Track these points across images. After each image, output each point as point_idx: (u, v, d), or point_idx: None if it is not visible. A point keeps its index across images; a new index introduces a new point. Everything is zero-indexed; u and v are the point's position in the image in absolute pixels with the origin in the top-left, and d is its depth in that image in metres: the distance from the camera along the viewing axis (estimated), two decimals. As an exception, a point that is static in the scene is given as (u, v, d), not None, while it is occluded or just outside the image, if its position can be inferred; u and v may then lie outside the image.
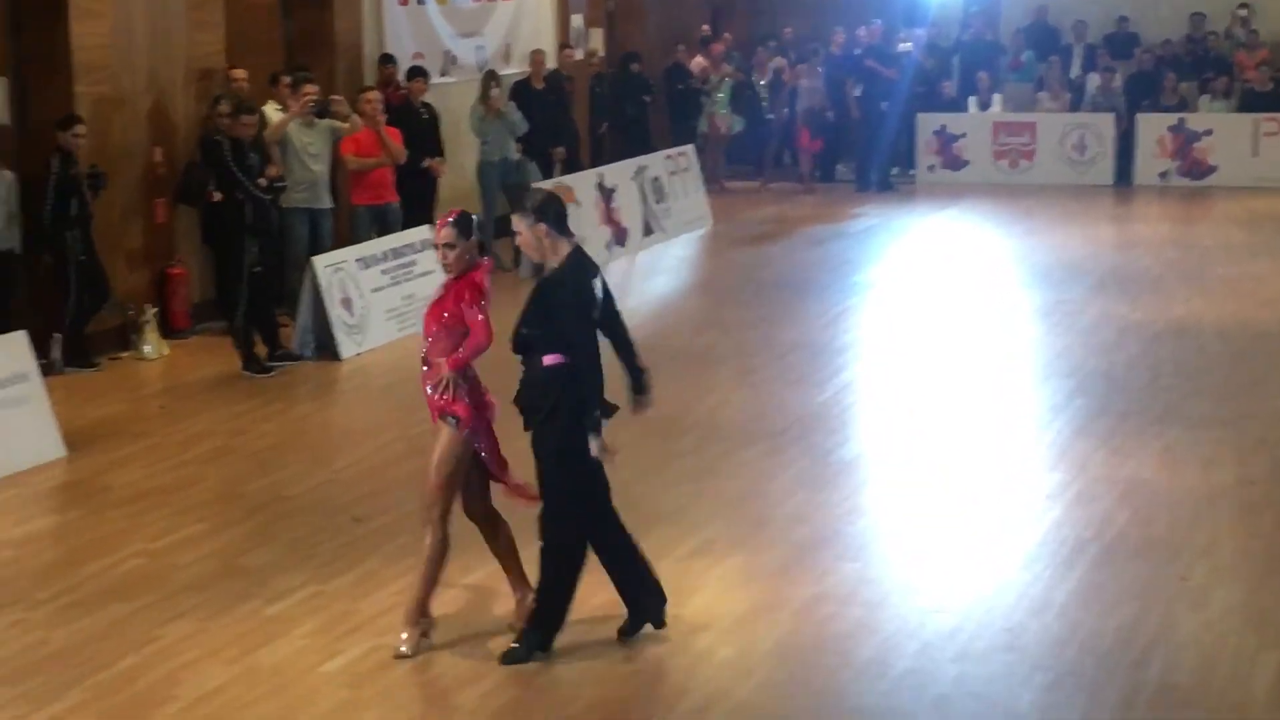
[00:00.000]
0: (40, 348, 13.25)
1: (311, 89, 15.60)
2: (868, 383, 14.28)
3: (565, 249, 8.29)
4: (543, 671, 8.26)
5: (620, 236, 20.29)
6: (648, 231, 20.93)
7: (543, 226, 8.24)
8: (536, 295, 8.36)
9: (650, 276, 19.52)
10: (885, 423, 12.97)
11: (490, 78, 19.20)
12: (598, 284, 8.39)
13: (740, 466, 11.74)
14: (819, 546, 10.09)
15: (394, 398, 13.79)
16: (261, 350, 14.62)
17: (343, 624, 8.90)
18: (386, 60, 18.83)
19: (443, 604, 8.81)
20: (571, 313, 8.23)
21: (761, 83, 25.55)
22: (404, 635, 8.45)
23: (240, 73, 16.39)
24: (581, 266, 8.34)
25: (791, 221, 22.75)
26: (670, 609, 8.75)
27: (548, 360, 8.26)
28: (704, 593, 9.38)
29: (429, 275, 16.57)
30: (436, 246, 8.60)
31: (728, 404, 13.44)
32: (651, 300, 18.31)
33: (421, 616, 8.50)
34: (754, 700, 8.00)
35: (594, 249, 19.27)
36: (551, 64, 21.49)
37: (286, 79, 16.38)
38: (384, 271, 16.02)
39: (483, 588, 9.25)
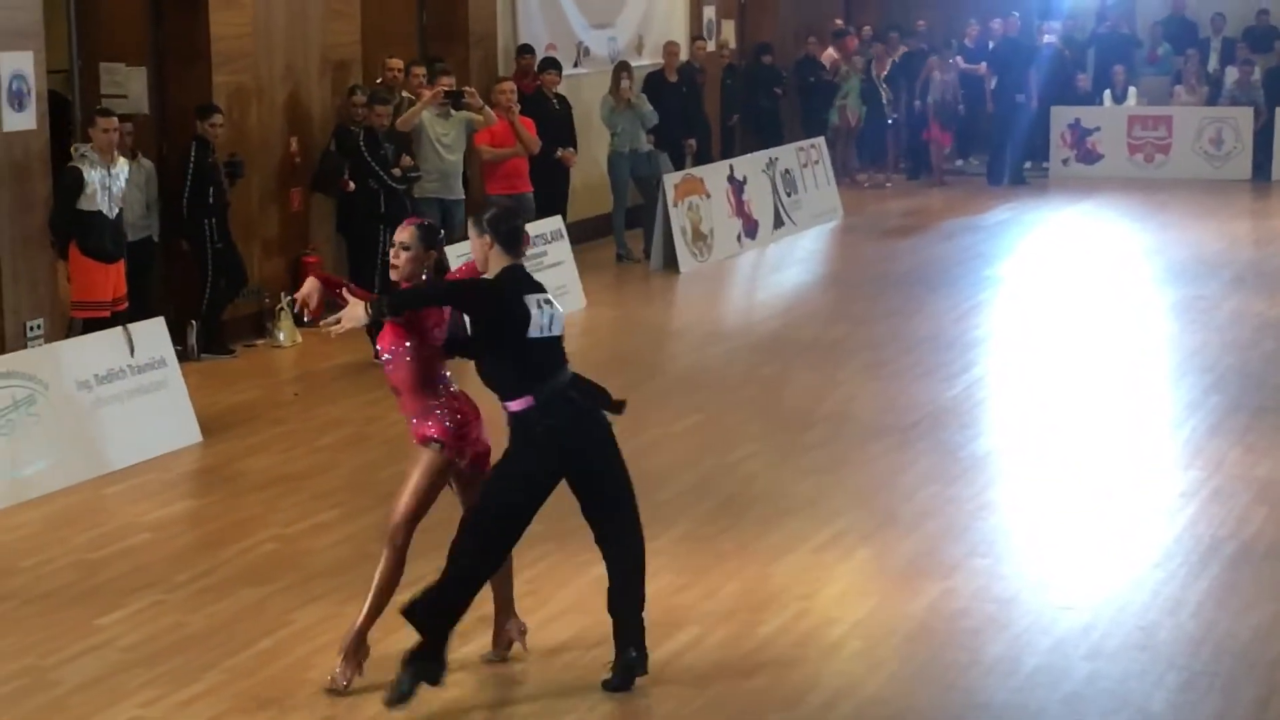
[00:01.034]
0: (177, 334, 13.41)
1: (446, 80, 15.72)
2: (999, 377, 14.19)
3: (499, 266, 7.80)
4: (670, 663, 8.26)
5: (751, 228, 20.26)
6: (778, 224, 20.90)
7: (487, 239, 7.78)
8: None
9: (780, 269, 19.47)
10: (1017, 417, 12.88)
11: (622, 69, 19.23)
12: (535, 301, 7.80)
13: (870, 460, 11.70)
14: (949, 541, 10.05)
15: (524, 387, 13.84)
16: (394, 339, 14.70)
17: (471, 613, 8.89)
18: (525, 50, 18.91)
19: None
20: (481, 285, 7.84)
21: (880, 75, 25.30)
22: (339, 669, 7.98)
23: (396, 61, 16.50)
24: (513, 279, 7.81)
25: (923, 215, 22.65)
26: (800, 601, 8.75)
27: (514, 406, 7.84)
28: (834, 585, 9.36)
29: (560, 265, 16.68)
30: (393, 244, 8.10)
31: (858, 397, 13.39)
32: (781, 292, 18.29)
33: (360, 646, 8.04)
34: (883, 694, 7.98)
35: (724, 241, 19.33)
36: (684, 56, 21.48)
37: (420, 69, 16.50)
38: (516, 261, 16.05)
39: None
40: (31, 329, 13.02)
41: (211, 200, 14.54)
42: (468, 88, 16.10)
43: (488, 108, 16.07)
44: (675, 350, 15.74)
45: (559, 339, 7.94)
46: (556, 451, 7.89)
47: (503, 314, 7.73)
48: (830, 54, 25.66)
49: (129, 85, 15.10)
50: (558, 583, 9.35)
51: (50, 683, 8.08)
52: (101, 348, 11.99)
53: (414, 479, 8.12)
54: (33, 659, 8.37)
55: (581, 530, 10.07)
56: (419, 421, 8.16)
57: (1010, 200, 23.61)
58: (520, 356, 7.79)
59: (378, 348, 8.25)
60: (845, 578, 9.50)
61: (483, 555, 7.87)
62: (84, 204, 12.89)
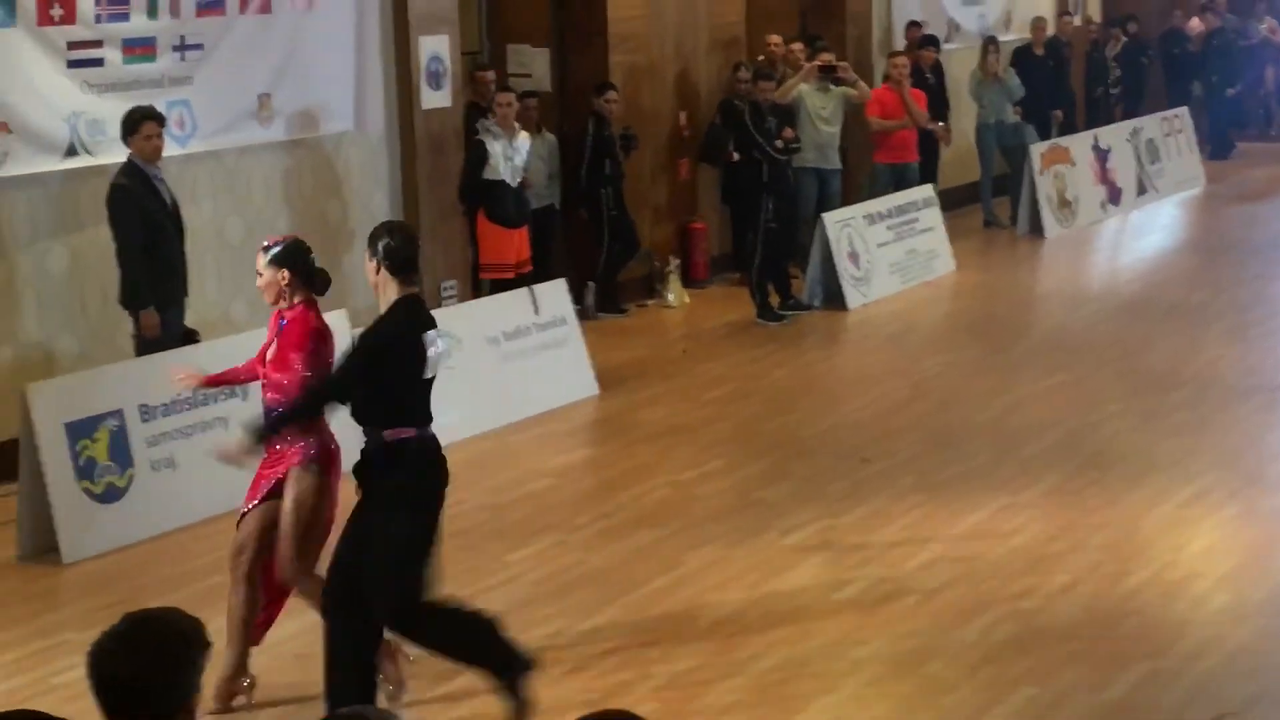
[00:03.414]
0: (576, 295, 13.67)
1: (826, 56, 15.72)
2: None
3: (394, 294, 6.93)
4: (1041, 610, 8.16)
5: (1114, 195, 19.79)
6: (1141, 191, 20.35)
7: (376, 265, 6.91)
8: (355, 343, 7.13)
9: (1143, 235, 18.97)
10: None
11: (990, 44, 18.97)
12: (431, 338, 6.98)
13: (1236, 420, 11.36)
14: (1316, 500, 9.72)
15: (898, 346, 13.81)
16: (774, 300, 14.80)
17: (852, 556, 8.96)
18: (913, 24, 18.78)
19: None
20: (360, 358, 6.95)
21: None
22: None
23: (776, 39, 16.59)
24: (410, 314, 6.97)
25: (1286, 182, 21.84)
26: (1167, 555, 8.58)
27: (391, 435, 6.88)
28: (1200, 541, 9.14)
29: (930, 231, 16.54)
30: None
31: (1222, 359, 12.99)
32: (1144, 257, 17.83)
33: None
34: (1250, 646, 7.75)
35: (1088, 208, 18.92)
36: (1050, 31, 21.05)
37: (798, 45, 16.52)
38: (889, 228, 16.01)
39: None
40: (445, 289, 13.42)
41: (608, 171, 14.79)
42: (842, 63, 16.05)
43: (861, 82, 16.01)
44: (1041, 312, 15.49)
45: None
46: (442, 468, 7.21)
47: (392, 359, 6.90)
48: (1195, 24, 24.84)
49: (533, 65, 15.44)
50: (930, 534, 9.30)
51: (467, 612, 8.33)
52: (509, 307, 12.29)
53: (288, 508, 7.25)
54: (451, 589, 8.54)
55: (953, 482, 10.09)
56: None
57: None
58: (409, 393, 6.93)
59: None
60: (1211, 533, 9.26)
61: (418, 584, 6.99)
62: (488, 174, 13.22)
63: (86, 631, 7.49)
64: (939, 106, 18.05)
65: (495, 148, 13.16)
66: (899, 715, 7.11)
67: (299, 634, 7.70)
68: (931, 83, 18.05)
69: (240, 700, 7.40)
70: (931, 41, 18.46)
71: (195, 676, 3.78)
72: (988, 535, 9.21)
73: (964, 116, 19.13)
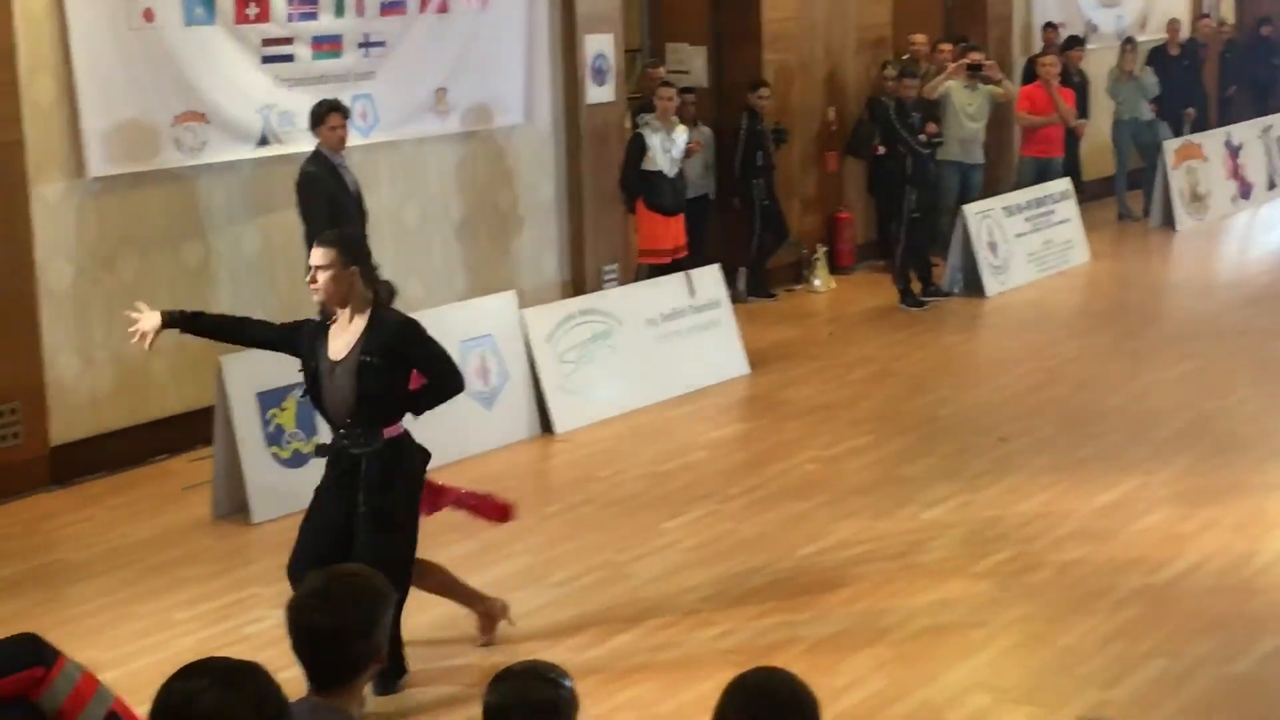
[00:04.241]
0: (729, 279, 13.63)
1: (975, 55, 15.58)
2: None
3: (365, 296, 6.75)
4: (1172, 585, 8.02)
5: (1245, 190, 19.38)
6: (1271, 186, 19.91)
7: (355, 271, 6.70)
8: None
9: (1273, 228, 18.54)
10: None
11: (1128, 44, 18.68)
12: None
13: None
14: None
15: (1033, 332, 13.63)
16: (916, 286, 14.68)
17: (991, 530, 8.86)
18: (1050, 26, 18.54)
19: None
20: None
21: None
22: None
23: (920, 38, 16.47)
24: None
25: None
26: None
27: (392, 432, 6.77)
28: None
29: (1066, 222, 16.31)
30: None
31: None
32: (1274, 250, 17.42)
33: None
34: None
35: (1220, 202, 18.56)
36: (1185, 32, 20.67)
37: (947, 46, 16.36)
38: (1027, 219, 15.81)
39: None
40: (606, 273, 13.46)
41: (760, 163, 14.73)
42: (988, 61, 15.86)
43: (1007, 81, 15.84)
44: (1172, 302, 15.21)
45: None
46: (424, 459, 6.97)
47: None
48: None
49: (691, 62, 15.41)
50: (1064, 510, 9.17)
51: (625, 575, 8.35)
52: (666, 290, 12.29)
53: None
54: (610, 554, 8.66)
55: (1086, 462, 9.94)
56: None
57: None
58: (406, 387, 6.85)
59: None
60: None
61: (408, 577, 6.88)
62: (647, 165, 13.21)
63: (273, 586, 7.65)
64: (1081, 104, 17.79)
65: (654, 140, 13.16)
66: (1035, 683, 7.02)
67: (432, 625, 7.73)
68: (1077, 82, 17.79)
69: (503, 625, 7.48)
70: (1077, 42, 18.21)
71: (386, 629, 3.84)
72: (1121, 513, 9.07)
73: (1100, 113, 18.83)
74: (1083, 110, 17.71)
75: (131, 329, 7.08)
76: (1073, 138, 17.28)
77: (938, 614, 7.72)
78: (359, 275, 6.71)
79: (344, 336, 6.72)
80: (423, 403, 6.91)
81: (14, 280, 9.70)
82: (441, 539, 8.06)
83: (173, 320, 6.97)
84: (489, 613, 7.49)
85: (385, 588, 3.88)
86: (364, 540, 6.65)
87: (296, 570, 6.69)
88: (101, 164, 10.12)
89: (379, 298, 7.03)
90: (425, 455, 6.94)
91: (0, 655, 5.53)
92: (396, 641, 6.84)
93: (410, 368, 6.77)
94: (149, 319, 6.99)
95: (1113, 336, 13.37)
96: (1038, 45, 18.28)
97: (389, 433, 6.74)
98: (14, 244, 9.69)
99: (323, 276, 6.66)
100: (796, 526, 9.02)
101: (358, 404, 6.67)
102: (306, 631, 3.74)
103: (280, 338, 6.99)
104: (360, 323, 6.69)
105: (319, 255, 6.68)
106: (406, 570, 6.78)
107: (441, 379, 6.84)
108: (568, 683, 3.79)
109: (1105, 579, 8.09)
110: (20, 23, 9.67)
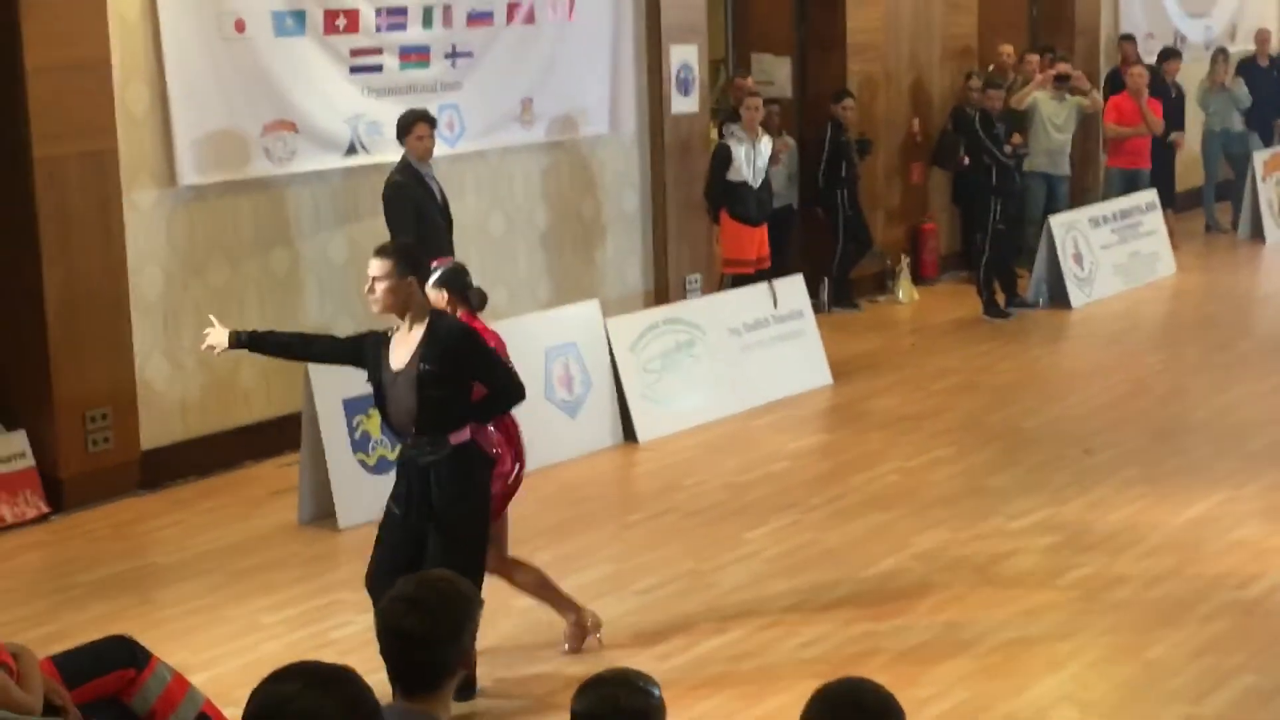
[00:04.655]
0: (812, 290, 13.61)
1: (1063, 66, 15.50)
2: None
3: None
4: (1260, 602, 7.93)
5: (1335, 198, 19.17)
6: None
7: (445, 294, 6.91)
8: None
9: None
10: None
11: (1219, 54, 18.52)
12: None
13: None
14: None
15: (1119, 344, 13.52)
16: (1000, 298, 14.60)
17: (1076, 542, 8.79)
18: (1126, 39, 18.40)
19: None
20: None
21: None
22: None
23: (1007, 48, 16.41)
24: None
25: None
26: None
27: (459, 438, 6.73)
28: None
29: (1153, 234, 16.17)
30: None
31: None
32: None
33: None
34: None
35: (1311, 213, 18.31)
36: (1276, 42, 20.43)
37: (1034, 56, 16.28)
38: (1113, 231, 15.69)
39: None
40: (690, 282, 13.46)
41: (843, 174, 14.70)
42: (1076, 71, 15.76)
43: (1095, 92, 15.75)
44: (1261, 315, 15.04)
45: None
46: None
47: None
48: None
49: (775, 72, 15.40)
50: (1151, 523, 9.09)
51: (708, 584, 8.33)
52: (749, 300, 12.28)
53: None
54: (693, 564, 8.66)
55: (1174, 474, 9.85)
56: None
57: None
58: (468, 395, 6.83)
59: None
60: None
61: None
62: (732, 175, 13.20)
63: (359, 592, 7.69)
64: (1178, 116, 17.64)
65: (739, 150, 13.15)
66: (1121, 697, 6.96)
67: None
68: (1174, 95, 17.63)
69: (590, 640, 7.50)
70: (1174, 54, 18.03)
71: (474, 634, 3.86)
72: (1208, 527, 8.98)
73: (1190, 124, 18.65)
74: (1178, 123, 17.55)
75: (204, 345, 7.18)
76: (1163, 149, 17.12)
77: (1023, 626, 7.66)
78: (416, 285, 6.72)
79: (404, 346, 6.73)
80: (485, 412, 6.90)
81: (107, 287, 9.83)
82: (526, 545, 8.09)
83: (239, 340, 7.06)
84: (580, 623, 7.51)
85: (474, 594, 3.90)
86: (434, 550, 6.68)
87: (375, 584, 6.73)
88: (192, 172, 10.23)
89: (470, 304, 7.12)
90: (490, 461, 6.92)
91: (93, 656, 5.62)
92: None
93: (470, 376, 6.77)
94: (218, 335, 7.08)
95: (1200, 349, 13.25)
96: (1118, 57, 18.12)
97: (456, 439, 6.71)
98: (108, 251, 9.82)
99: (380, 287, 6.66)
100: (879, 537, 8.98)
101: (420, 412, 6.67)
102: (396, 636, 3.76)
103: (345, 351, 7.02)
104: (419, 331, 6.70)
105: (376, 266, 6.69)
106: (477, 579, 6.70)
107: (502, 388, 6.83)
108: (657, 691, 3.80)
109: (1193, 593, 8.01)
110: (115, 33, 9.81)
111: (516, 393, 6.87)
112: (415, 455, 6.77)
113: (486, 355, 6.81)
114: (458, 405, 6.73)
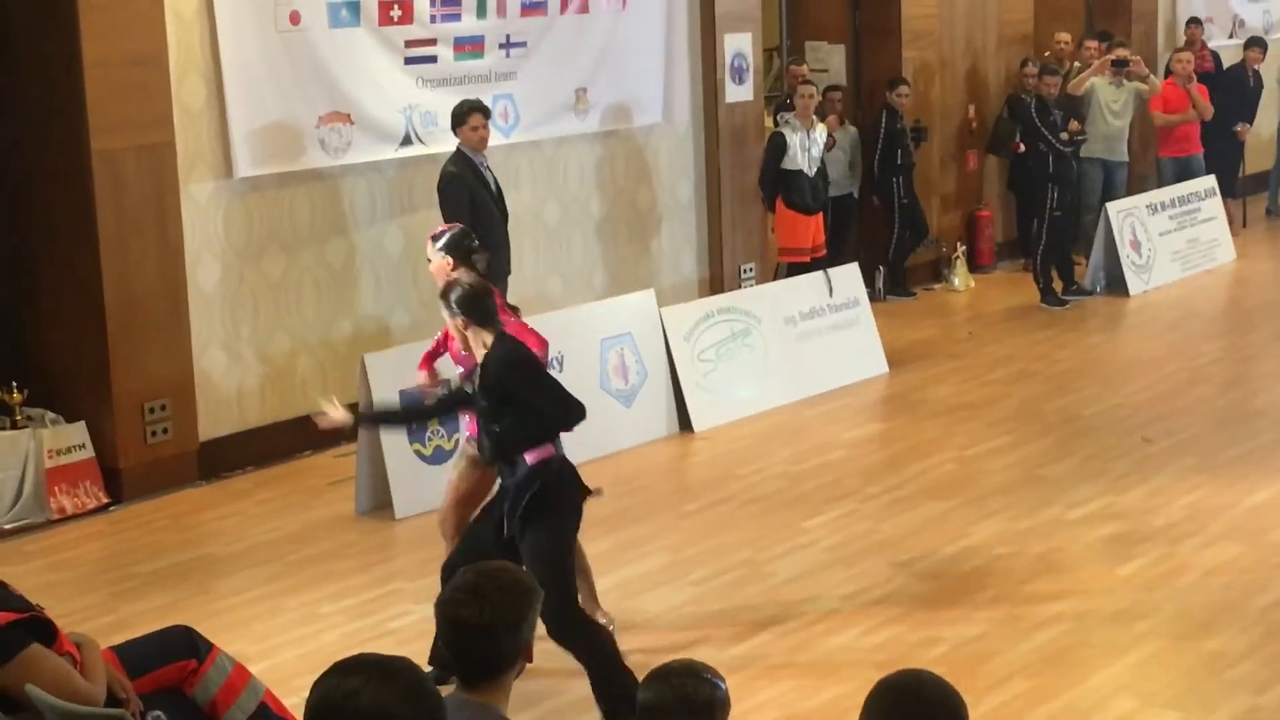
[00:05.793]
0: (867, 278, 13.56)
1: (1122, 51, 15.38)
2: None
3: (487, 335, 6.58)
4: (1324, 590, 7.87)
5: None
6: None
7: (461, 321, 6.58)
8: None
9: None
10: None
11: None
12: None
13: None
14: None
15: (1178, 332, 13.41)
16: (1058, 285, 14.51)
17: (1136, 532, 8.73)
18: (1193, 22, 18.22)
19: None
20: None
21: None
22: None
23: (1064, 35, 16.28)
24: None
25: None
26: None
27: (534, 457, 6.52)
28: None
29: (1211, 221, 16.03)
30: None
31: None
32: None
33: None
34: None
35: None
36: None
37: (1093, 43, 16.14)
38: (1170, 217, 15.57)
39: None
40: (745, 271, 13.43)
41: (899, 161, 14.64)
42: (1134, 56, 15.64)
43: (1153, 77, 15.62)
44: (1322, 301, 14.91)
45: None
46: (580, 482, 6.70)
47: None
48: None
49: (830, 60, 15.35)
50: (1212, 512, 9.01)
51: (765, 574, 8.32)
52: (805, 288, 12.24)
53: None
54: (750, 553, 8.64)
55: (1234, 463, 9.77)
56: None
57: None
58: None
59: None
60: None
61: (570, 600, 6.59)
62: (787, 164, 13.15)
63: (416, 582, 7.73)
64: (1248, 107, 17.43)
65: (794, 139, 13.11)
66: (1182, 687, 6.90)
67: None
68: (1251, 85, 17.44)
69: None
70: (1258, 43, 17.80)
71: (533, 626, 3.87)
72: (1271, 515, 8.90)
73: (1263, 113, 18.35)
74: (1247, 113, 17.33)
75: (319, 419, 7.04)
76: (1218, 134, 16.94)
77: (1082, 617, 7.61)
78: (470, 323, 6.58)
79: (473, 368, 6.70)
80: (543, 434, 6.61)
81: (165, 278, 9.88)
82: (583, 535, 8.04)
83: (361, 421, 7.31)
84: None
85: (533, 585, 3.91)
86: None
87: (448, 567, 6.70)
88: (249, 164, 10.28)
89: (476, 269, 7.24)
90: (573, 478, 6.66)
91: (155, 647, 5.64)
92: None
93: (521, 404, 6.52)
94: (338, 413, 7.01)
95: (1259, 337, 13.13)
96: (1181, 41, 17.97)
97: (532, 458, 6.50)
98: (165, 243, 9.87)
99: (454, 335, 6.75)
100: (937, 527, 8.94)
101: (490, 448, 6.61)
102: (456, 626, 3.77)
103: (461, 391, 6.91)
104: (480, 354, 6.59)
105: (444, 313, 6.67)
106: (566, 594, 6.48)
107: (549, 416, 6.56)
108: (723, 684, 3.80)
109: (1254, 582, 7.95)
110: (171, 26, 9.85)
111: (565, 416, 6.56)
112: (500, 477, 6.72)
113: (530, 386, 6.54)
114: (520, 432, 6.52)
